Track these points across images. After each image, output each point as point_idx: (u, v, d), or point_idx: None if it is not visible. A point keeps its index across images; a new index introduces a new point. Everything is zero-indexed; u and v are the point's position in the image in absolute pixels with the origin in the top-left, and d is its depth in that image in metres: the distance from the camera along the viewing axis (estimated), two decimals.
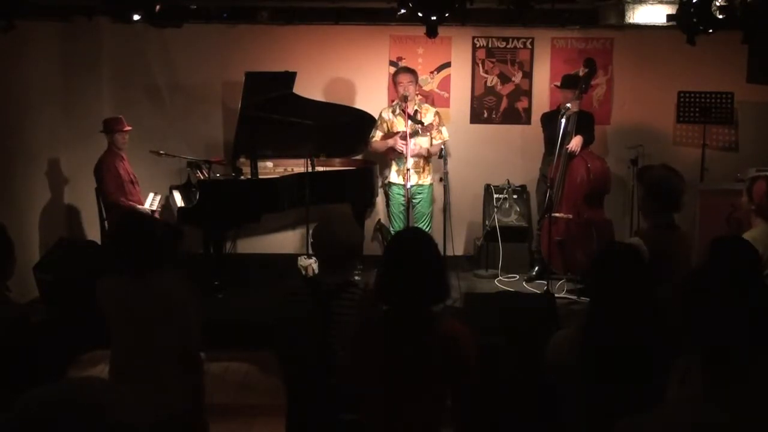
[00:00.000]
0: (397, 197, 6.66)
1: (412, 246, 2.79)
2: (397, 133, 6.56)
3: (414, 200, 6.63)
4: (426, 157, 6.63)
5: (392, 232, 6.75)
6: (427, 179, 6.70)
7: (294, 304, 3.17)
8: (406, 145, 6.33)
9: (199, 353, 3.41)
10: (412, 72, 6.59)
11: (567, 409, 1.84)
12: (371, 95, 7.48)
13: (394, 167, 6.67)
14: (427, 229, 6.54)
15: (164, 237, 3.59)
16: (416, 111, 6.52)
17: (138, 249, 3.24)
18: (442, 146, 6.54)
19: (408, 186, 6.38)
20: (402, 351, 2.70)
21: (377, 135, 6.74)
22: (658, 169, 4.49)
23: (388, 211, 6.90)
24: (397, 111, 6.62)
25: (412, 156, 6.42)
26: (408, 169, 6.36)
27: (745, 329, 1.74)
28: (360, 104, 7.32)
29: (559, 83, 6.82)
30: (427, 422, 2.76)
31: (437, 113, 6.73)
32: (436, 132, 6.63)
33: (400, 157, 6.56)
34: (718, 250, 3.11)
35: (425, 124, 6.51)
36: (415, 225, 6.56)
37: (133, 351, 3.23)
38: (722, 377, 1.75)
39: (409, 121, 6.36)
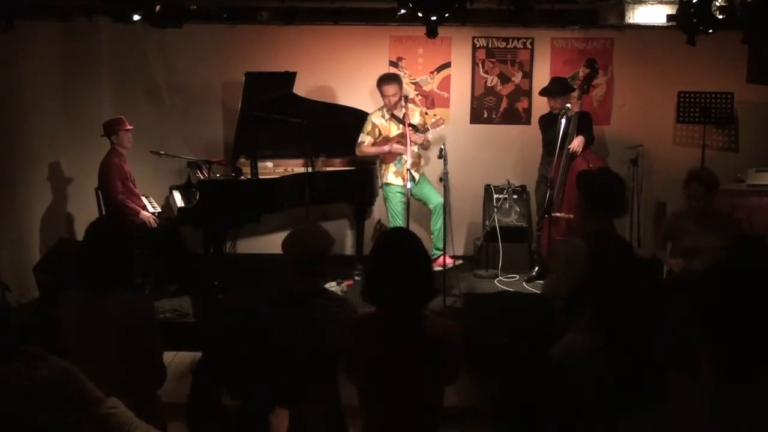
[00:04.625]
0: (398, 196, 6.67)
1: (399, 247, 2.80)
2: (391, 138, 6.61)
3: (425, 191, 6.80)
4: (439, 157, 6.66)
5: None
6: (423, 170, 6.89)
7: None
8: (407, 146, 6.36)
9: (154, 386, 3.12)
10: (391, 78, 6.65)
11: (580, 409, 1.85)
12: (371, 95, 7.48)
13: (392, 169, 6.69)
14: (440, 217, 6.72)
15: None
16: (404, 114, 6.54)
17: (110, 263, 3.03)
18: (442, 147, 6.56)
19: (408, 186, 6.38)
20: (394, 351, 2.71)
21: (367, 140, 6.74)
22: (604, 173, 4.50)
23: (387, 212, 6.92)
24: (387, 116, 6.64)
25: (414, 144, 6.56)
26: (408, 170, 6.38)
27: (755, 327, 1.73)
28: (360, 104, 7.31)
29: (544, 92, 6.80)
30: (423, 421, 2.76)
31: (419, 109, 6.90)
32: (428, 117, 6.78)
33: (398, 158, 6.60)
34: (731, 248, 3.11)
35: (418, 127, 6.59)
36: (433, 216, 6.81)
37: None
38: (732, 375, 1.75)
39: (410, 128, 6.46)
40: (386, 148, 6.64)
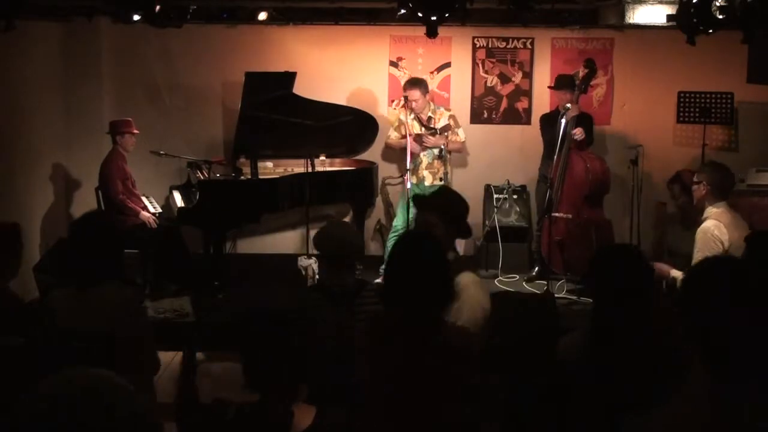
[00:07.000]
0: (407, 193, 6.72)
1: (418, 250, 2.80)
2: (414, 135, 6.64)
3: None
4: (440, 158, 6.63)
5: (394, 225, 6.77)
6: (441, 176, 6.67)
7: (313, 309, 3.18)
8: (407, 143, 6.39)
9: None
10: (413, 83, 6.58)
11: (577, 409, 1.85)
12: (371, 95, 7.49)
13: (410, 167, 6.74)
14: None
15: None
16: (430, 117, 6.60)
17: (93, 258, 3.00)
18: (441, 146, 6.57)
19: (408, 187, 6.41)
20: (409, 353, 2.70)
21: (393, 135, 6.81)
22: None
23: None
24: (411, 114, 6.63)
25: (426, 149, 6.56)
26: (407, 170, 6.40)
27: (749, 328, 1.74)
28: (360, 104, 7.32)
29: (552, 85, 6.82)
30: (434, 423, 2.75)
31: (452, 116, 6.74)
32: (452, 134, 6.65)
33: (416, 158, 6.63)
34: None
35: (437, 130, 6.56)
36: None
37: None
38: (727, 375, 1.75)
39: (422, 128, 6.52)
40: (403, 141, 6.66)
